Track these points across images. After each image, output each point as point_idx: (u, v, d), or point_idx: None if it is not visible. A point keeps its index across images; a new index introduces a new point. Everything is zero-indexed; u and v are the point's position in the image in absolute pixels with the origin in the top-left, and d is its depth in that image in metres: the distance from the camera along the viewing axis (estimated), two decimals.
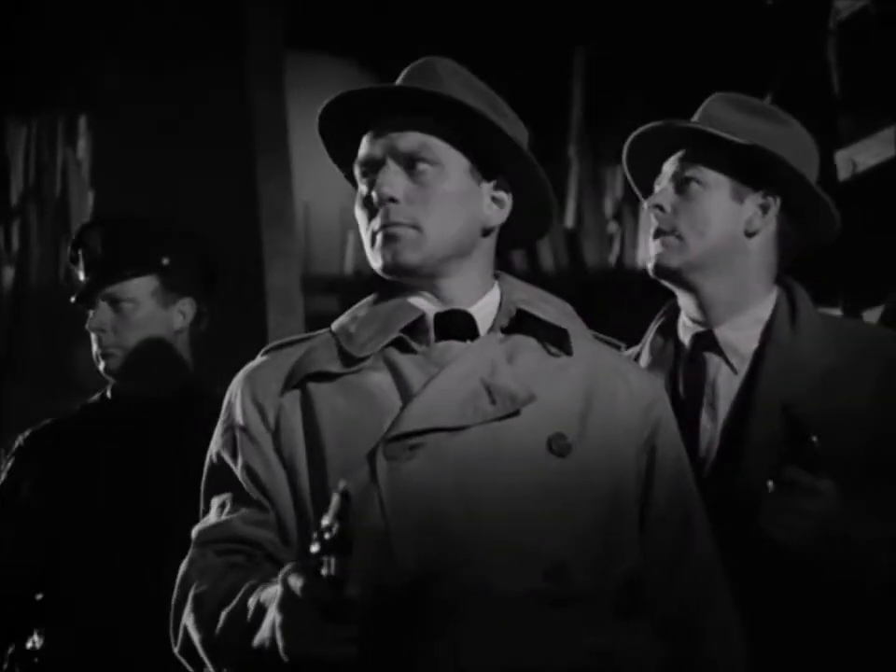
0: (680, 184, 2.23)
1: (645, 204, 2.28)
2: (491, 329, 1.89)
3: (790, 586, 2.04)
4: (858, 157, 3.87)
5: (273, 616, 1.63)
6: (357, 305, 1.96)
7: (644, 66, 5.32)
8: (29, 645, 2.69)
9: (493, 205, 1.91)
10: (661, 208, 2.23)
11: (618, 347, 1.98)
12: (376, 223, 1.86)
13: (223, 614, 1.73)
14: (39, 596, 2.70)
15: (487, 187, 1.90)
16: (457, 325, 1.88)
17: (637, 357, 2.30)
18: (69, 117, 5.21)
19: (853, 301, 3.86)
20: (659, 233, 2.24)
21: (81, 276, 2.76)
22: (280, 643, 1.61)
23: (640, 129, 2.29)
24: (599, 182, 5.67)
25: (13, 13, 4.81)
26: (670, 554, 1.87)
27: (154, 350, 2.71)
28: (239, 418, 1.87)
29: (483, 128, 1.87)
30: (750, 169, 2.22)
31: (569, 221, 5.62)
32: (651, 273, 2.26)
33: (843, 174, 3.87)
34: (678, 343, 2.27)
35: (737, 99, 2.29)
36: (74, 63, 4.91)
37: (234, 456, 1.86)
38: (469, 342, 1.87)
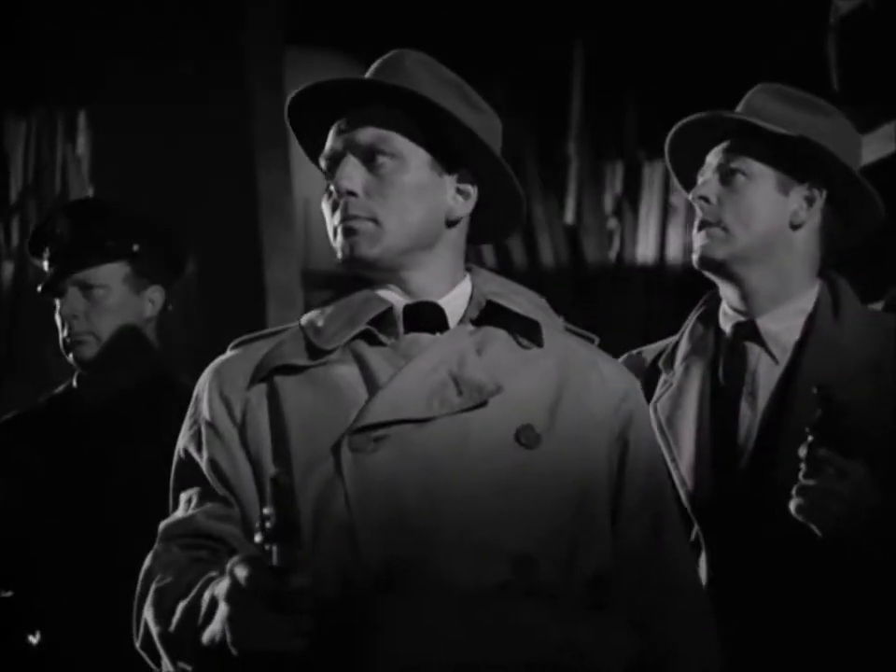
0: (726, 175, 2.22)
1: (689, 196, 2.26)
2: (461, 321, 1.88)
3: (829, 574, 2.02)
4: None
5: (222, 608, 1.62)
6: (327, 300, 1.94)
7: (644, 62, 5.31)
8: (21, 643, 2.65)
9: (458, 197, 1.89)
10: (706, 199, 2.21)
11: (591, 340, 1.96)
12: (336, 217, 1.86)
13: (179, 607, 1.72)
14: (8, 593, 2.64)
15: (451, 179, 1.89)
16: (426, 317, 1.87)
17: (675, 346, 2.29)
18: (69, 113, 5.21)
19: None
20: (704, 225, 2.22)
21: (46, 266, 2.69)
22: (227, 636, 1.60)
23: (685, 119, 2.26)
24: (599, 178, 5.66)
25: (13, 9, 4.81)
26: (639, 556, 1.85)
27: (126, 338, 2.66)
28: (205, 413, 1.86)
29: (443, 120, 1.85)
30: (796, 161, 2.21)
31: (569, 217, 5.62)
32: (695, 264, 2.24)
33: None
34: (718, 332, 2.26)
35: (782, 90, 2.27)
36: (73, 60, 4.91)
37: (200, 451, 1.85)
38: (438, 334, 1.86)
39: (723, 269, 2.22)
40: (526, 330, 1.88)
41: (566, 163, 5.60)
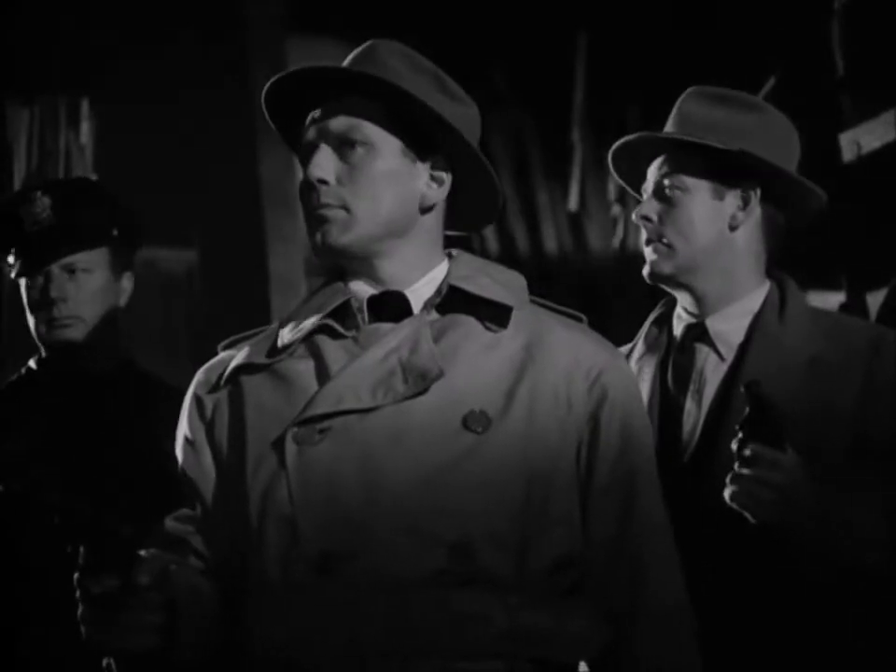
0: (662, 193, 2.29)
1: (633, 216, 2.33)
2: (423, 308, 1.86)
3: (769, 566, 2.06)
4: (862, 139, 3.86)
5: None
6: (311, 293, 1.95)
7: (647, 50, 5.30)
8: None
9: (431, 184, 1.89)
10: (647, 219, 2.29)
11: (579, 319, 1.94)
12: (309, 206, 1.86)
13: None
14: None
15: (424, 166, 1.88)
16: (392, 306, 1.86)
17: (632, 349, 2.34)
18: (72, 101, 5.20)
19: (857, 284, 3.85)
20: (649, 241, 2.30)
21: (16, 248, 2.61)
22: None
23: (619, 142, 2.36)
24: (602, 165, 5.65)
25: None
26: (606, 544, 1.82)
27: (105, 323, 2.62)
28: (184, 418, 1.90)
29: (414, 107, 1.85)
30: (731, 168, 2.26)
31: (573, 205, 5.61)
32: (647, 279, 2.32)
33: (847, 155, 3.86)
34: (671, 334, 2.31)
35: (711, 92, 2.33)
36: (75, 47, 4.91)
37: (179, 455, 1.91)
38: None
39: (672, 280, 2.29)
40: (492, 313, 1.86)
41: (569, 150, 5.59)
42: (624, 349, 2.38)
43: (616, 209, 5.64)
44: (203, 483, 1.86)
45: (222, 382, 1.88)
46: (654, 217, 2.29)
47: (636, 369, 2.30)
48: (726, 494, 1.99)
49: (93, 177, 5.02)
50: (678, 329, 2.31)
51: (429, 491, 1.73)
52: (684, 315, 2.31)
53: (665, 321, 2.35)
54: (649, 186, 2.32)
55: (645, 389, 2.25)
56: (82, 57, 4.95)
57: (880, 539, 2.03)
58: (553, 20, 5.33)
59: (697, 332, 2.27)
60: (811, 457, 2.00)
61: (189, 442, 1.88)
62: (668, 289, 2.33)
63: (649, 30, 5.22)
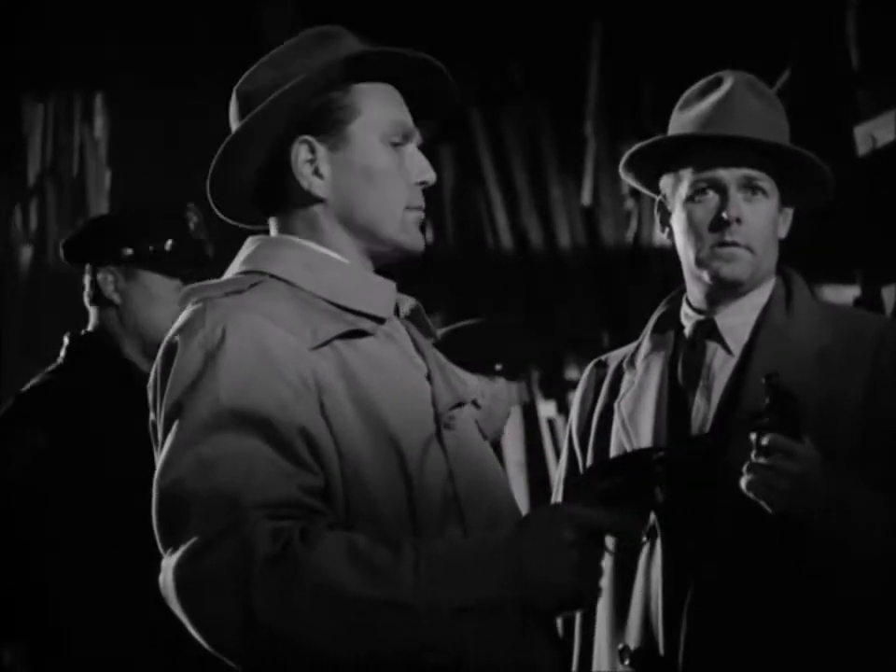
0: (748, 194, 2.21)
1: (724, 215, 2.20)
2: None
3: (782, 558, 2.07)
4: (877, 132, 3.85)
5: (560, 557, 1.69)
6: (310, 261, 1.88)
7: (661, 43, 5.29)
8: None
9: None
10: (739, 221, 2.20)
11: None
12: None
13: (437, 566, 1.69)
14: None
15: None
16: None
17: (638, 347, 2.33)
18: (86, 96, 5.22)
19: (871, 278, 3.84)
20: (730, 244, 2.21)
21: (173, 241, 2.76)
22: (574, 583, 1.69)
23: (718, 133, 2.23)
24: (616, 159, 5.64)
25: None
26: None
27: None
28: (281, 368, 1.73)
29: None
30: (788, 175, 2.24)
31: (586, 198, 5.60)
32: (712, 279, 2.23)
33: (862, 149, 3.86)
34: (678, 332, 2.30)
35: (754, 83, 2.27)
36: (90, 43, 4.92)
37: (281, 411, 1.72)
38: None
39: (741, 287, 2.24)
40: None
41: (583, 144, 5.58)
42: (629, 348, 2.37)
43: (630, 203, 5.63)
44: (325, 453, 1.74)
45: (315, 344, 1.77)
46: (742, 219, 2.20)
47: (643, 366, 2.29)
48: (742, 483, 2.01)
49: (107, 172, 5.05)
50: (687, 327, 2.29)
51: (502, 474, 1.93)
52: (691, 312, 2.29)
53: (670, 318, 2.34)
54: (728, 185, 2.21)
55: (654, 386, 2.26)
56: (96, 52, 4.96)
57: (889, 531, 2.04)
58: (568, 11, 5.32)
59: (707, 328, 2.26)
60: (821, 449, 2.00)
61: (302, 403, 1.73)
62: (713, 291, 2.26)
63: (664, 22, 5.21)
